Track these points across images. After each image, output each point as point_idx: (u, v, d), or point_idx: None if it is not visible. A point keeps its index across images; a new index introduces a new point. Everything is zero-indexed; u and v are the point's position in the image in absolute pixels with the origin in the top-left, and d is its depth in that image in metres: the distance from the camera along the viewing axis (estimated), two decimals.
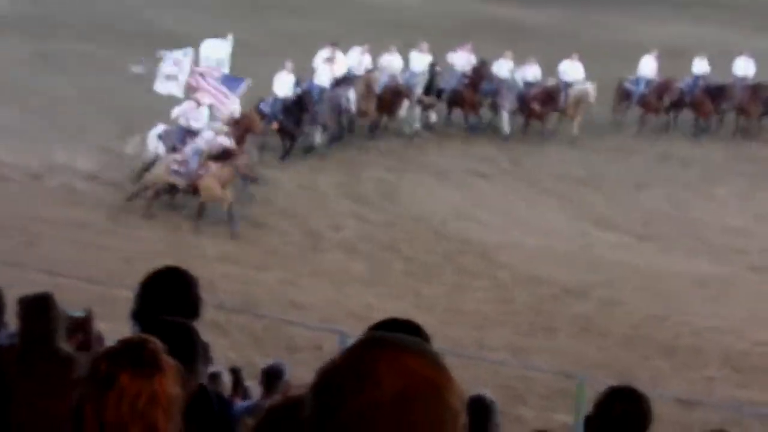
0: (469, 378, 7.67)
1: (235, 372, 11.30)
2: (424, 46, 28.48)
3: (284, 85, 25.78)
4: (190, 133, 22.62)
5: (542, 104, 28.57)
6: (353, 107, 26.23)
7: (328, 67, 26.65)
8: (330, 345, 13.33)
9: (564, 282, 20.06)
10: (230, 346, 15.49)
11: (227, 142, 22.33)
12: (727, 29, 38.01)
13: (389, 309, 15.84)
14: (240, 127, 23.03)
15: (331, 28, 31.51)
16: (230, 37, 23.76)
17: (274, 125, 25.38)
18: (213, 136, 22.34)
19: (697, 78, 30.15)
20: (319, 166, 25.48)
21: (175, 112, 22.86)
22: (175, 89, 23.42)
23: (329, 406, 2.22)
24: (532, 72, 29.11)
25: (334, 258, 21.02)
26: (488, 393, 7.60)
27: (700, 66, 30.47)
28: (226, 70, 23.47)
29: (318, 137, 26.22)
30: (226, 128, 22.55)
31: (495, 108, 28.66)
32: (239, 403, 9.08)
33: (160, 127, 22.74)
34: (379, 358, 2.23)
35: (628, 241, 22.65)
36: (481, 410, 7.12)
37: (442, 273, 20.46)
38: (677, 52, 31.40)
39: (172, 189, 22.33)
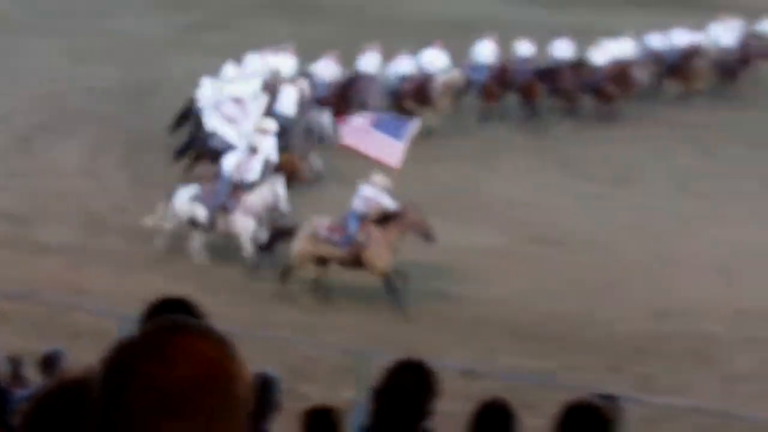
0: (253, 357, 7.57)
1: (14, 361, 10.97)
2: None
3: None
4: (239, 188, 20.06)
5: (416, 100, 27.69)
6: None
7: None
8: (114, 330, 13.05)
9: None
10: (12, 333, 15.07)
11: (388, 200, 19.08)
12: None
13: (175, 292, 15.59)
14: (283, 174, 20.63)
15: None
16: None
17: None
18: (372, 193, 18.99)
19: (523, 60, 30.39)
20: None
21: (229, 164, 20.37)
22: (231, 134, 21.27)
23: (118, 385, 2.21)
24: (404, 65, 28.13)
25: (117, 242, 20.65)
26: (271, 370, 7.61)
27: (525, 48, 30.91)
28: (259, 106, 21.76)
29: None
30: (386, 182, 19.11)
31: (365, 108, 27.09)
32: (18, 392, 8.82)
33: (188, 189, 20.22)
34: (171, 342, 2.23)
35: None
36: (262, 386, 7.14)
37: (229, 254, 20.32)
38: (464, 27, 31.85)
39: (322, 261, 18.99)
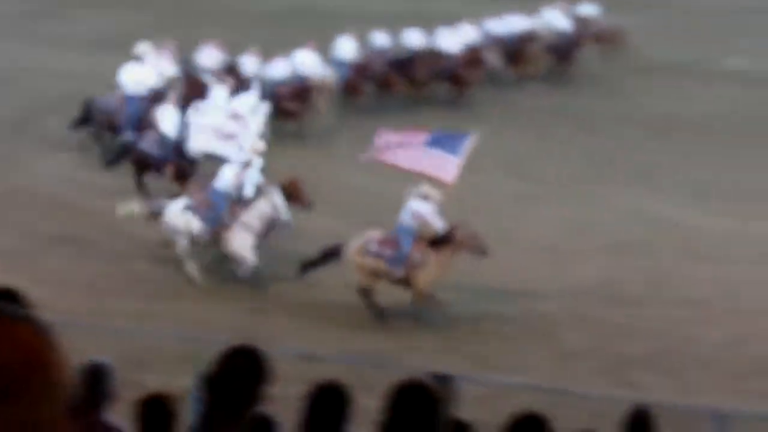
0: (88, 348, 7.51)
1: None
2: None
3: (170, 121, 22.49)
4: (240, 203, 19.26)
5: (296, 101, 27.32)
6: None
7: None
8: None
9: None
10: None
11: (437, 216, 18.19)
12: None
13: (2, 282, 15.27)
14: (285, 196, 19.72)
15: None
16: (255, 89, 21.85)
17: (168, 170, 21.93)
18: (422, 208, 18.13)
19: (380, 51, 30.43)
20: None
21: (225, 178, 19.35)
22: (229, 150, 19.98)
23: None
24: (280, 69, 27.77)
25: None
26: (103, 358, 7.54)
27: (381, 38, 30.86)
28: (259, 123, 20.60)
29: None
30: (435, 193, 18.14)
31: None
32: None
33: (183, 200, 19.41)
34: None
35: None
36: (93, 375, 7.07)
37: (61, 245, 19.96)
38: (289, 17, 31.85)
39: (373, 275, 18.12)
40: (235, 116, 20.45)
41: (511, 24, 34.11)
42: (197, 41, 28.35)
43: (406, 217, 18.17)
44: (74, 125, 25.11)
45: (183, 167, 21.56)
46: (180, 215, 19.15)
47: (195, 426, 5.46)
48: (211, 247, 19.41)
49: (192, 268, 19.07)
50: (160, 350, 15.72)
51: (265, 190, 19.43)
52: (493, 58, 31.67)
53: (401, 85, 30.22)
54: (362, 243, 18.16)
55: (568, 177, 26.16)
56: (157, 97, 24.13)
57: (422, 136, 18.43)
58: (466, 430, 6.74)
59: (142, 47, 25.68)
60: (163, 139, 22.25)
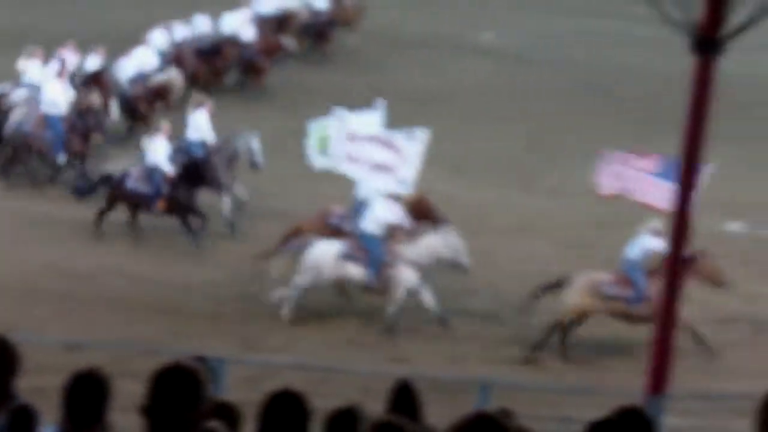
0: None
1: None
2: None
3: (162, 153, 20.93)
4: (392, 239, 17.87)
5: (150, 103, 26.13)
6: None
7: None
8: None
9: None
10: None
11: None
12: None
13: None
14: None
15: None
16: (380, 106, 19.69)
17: (160, 205, 20.61)
18: (655, 245, 17.11)
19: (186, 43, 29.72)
20: None
21: (375, 216, 17.95)
22: (386, 183, 18.28)
23: None
24: (128, 69, 26.65)
25: None
26: None
27: (181, 31, 30.16)
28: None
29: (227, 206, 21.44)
30: (661, 227, 16.97)
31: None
32: None
33: (329, 245, 17.89)
34: None
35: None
36: None
37: None
38: None
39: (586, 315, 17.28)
40: (387, 143, 18.83)
41: (270, 5, 34.04)
42: None
43: (633, 253, 17.65)
44: None
45: (176, 200, 20.52)
46: (336, 264, 17.89)
47: None
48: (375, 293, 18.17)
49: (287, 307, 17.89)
50: None
51: (441, 228, 18.35)
52: (291, 43, 31.58)
53: (207, 76, 29.87)
54: (592, 284, 17.44)
55: None
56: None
57: (651, 164, 17.70)
58: (229, 411, 6.66)
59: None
60: (151, 173, 20.67)
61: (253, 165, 21.67)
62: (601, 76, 38.27)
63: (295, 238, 18.47)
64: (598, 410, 5.47)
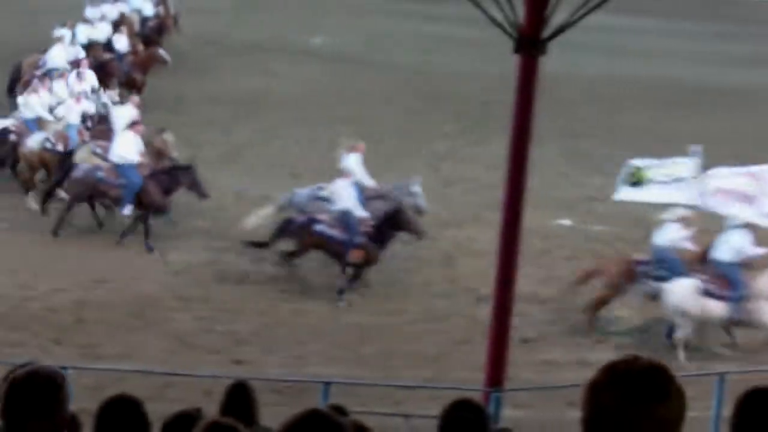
0: None
1: None
2: None
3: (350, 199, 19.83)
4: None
5: None
6: None
7: None
8: None
9: None
10: None
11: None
12: None
13: None
14: None
15: None
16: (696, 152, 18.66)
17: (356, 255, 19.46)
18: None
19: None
20: None
21: (738, 244, 17.32)
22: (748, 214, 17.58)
23: None
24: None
25: None
26: None
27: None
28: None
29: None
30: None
31: None
32: None
33: (680, 282, 17.36)
34: None
35: None
36: None
37: None
38: None
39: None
40: (756, 176, 18.48)
41: (105, 11, 33.76)
42: None
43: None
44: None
45: (373, 251, 19.49)
46: (697, 301, 17.35)
47: None
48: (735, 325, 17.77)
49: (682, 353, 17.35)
50: None
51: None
52: (166, 55, 31.12)
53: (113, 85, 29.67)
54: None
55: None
56: None
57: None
58: (70, 420, 6.64)
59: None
60: (344, 217, 19.54)
61: (418, 210, 21.02)
62: (429, 77, 38.89)
63: (595, 276, 18.55)
64: (441, 405, 5.67)
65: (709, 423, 12.86)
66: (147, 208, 20.98)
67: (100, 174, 21.06)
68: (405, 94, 36.08)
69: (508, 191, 14.02)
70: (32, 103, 24.08)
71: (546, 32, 13.35)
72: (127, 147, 21.30)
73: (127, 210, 21.03)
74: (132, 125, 21.90)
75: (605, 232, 23.51)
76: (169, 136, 23.12)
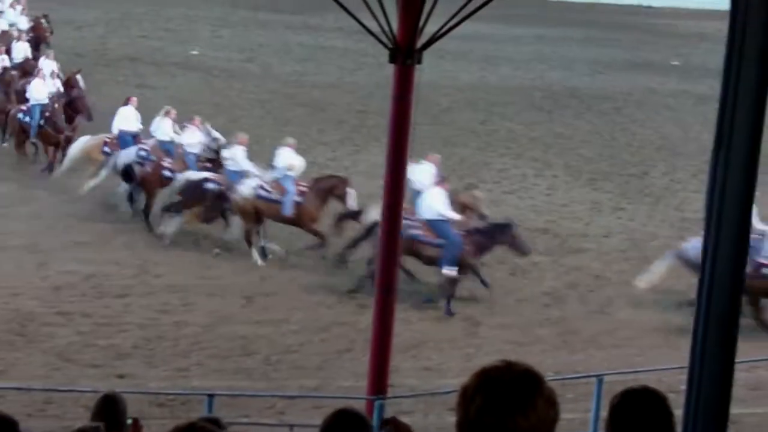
0: None
1: None
2: None
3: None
4: None
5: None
6: None
7: None
8: None
9: None
10: None
11: None
12: None
13: None
14: None
15: None
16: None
17: None
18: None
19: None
20: None
21: None
22: None
23: None
24: None
25: None
26: None
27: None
28: None
29: None
30: None
31: None
32: None
33: None
34: None
35: None
36: None
37: None
38: None
39: None
40: None
41: None
42: None
43: None
44: None
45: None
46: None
47: None
48: None
49: None
50: None
51: None
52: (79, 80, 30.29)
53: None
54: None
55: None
56: None
57: None
58: None
59: None
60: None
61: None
62: (306, 88, 39.00)
63: None
64: (325, 415, 5.75)
65: (589, 424, 13.20)
66: (464, 268, 20.28)
67: (415, 232, 20.10)
68: (283, 104, 36.12)
69: (387, 199, 14.17)
70: (239, 156, 23.07)
71: (420, 42, 13.55)
72: (439, 203, 20.46)
73: (449, 270, 20.06)
74: (439, 182, 20.99)
75: None
76: (478, 193, 22.70)
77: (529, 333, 19.00)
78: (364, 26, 13.20)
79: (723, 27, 4.58)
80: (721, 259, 4.69)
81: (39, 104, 27.04)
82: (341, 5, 13.17)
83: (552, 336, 18.94)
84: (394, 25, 13.41)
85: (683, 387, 4.79)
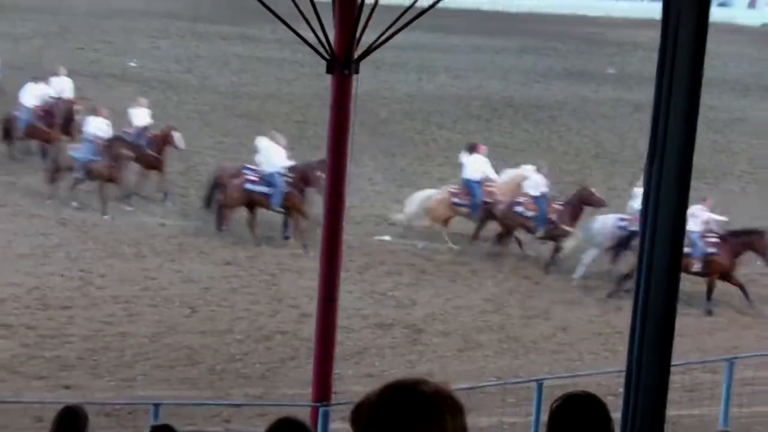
0: None
1: None
2: None
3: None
4: None
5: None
6: None
7: None
8: None
9: None
10: None
11: None
12: None
13: None
14: None
15: None
16: None
17: None
18: None
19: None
20: None
21: None
22: None
23: None
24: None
25: None
26: None
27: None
28: None
29: None
30: None
31: None
32: None
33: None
34: None
35: None
36: None
37: None
38: None
39: None
40: None
41: None
42: None
43: None
44: None
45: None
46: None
47: None
48: None
49: None
50: None
51: None
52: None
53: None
54: None
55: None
56: None
57: None
58: None
59: None
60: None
61: None
62: (243, 98, 39.07)
63: None
64: (269, 422, 5.92)
65: (530, 428, 13.45)
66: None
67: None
68: (221, 115, 36.16)
69: (327, 209, 14.30)
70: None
71: (357, 52, 13.72)
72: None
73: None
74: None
75: (425, 247, 24.10)
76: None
77: (470, 339, 19.28)
78: (301, 37, 13.35)
79: (657, 36, 4.76)
80: (657, 266, 4.80)
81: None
82: (278, 16, 13.31)
83: (493, 342, 19.23)
84: (331, 36, 13.55)
85: (621, 390, 4.99)
